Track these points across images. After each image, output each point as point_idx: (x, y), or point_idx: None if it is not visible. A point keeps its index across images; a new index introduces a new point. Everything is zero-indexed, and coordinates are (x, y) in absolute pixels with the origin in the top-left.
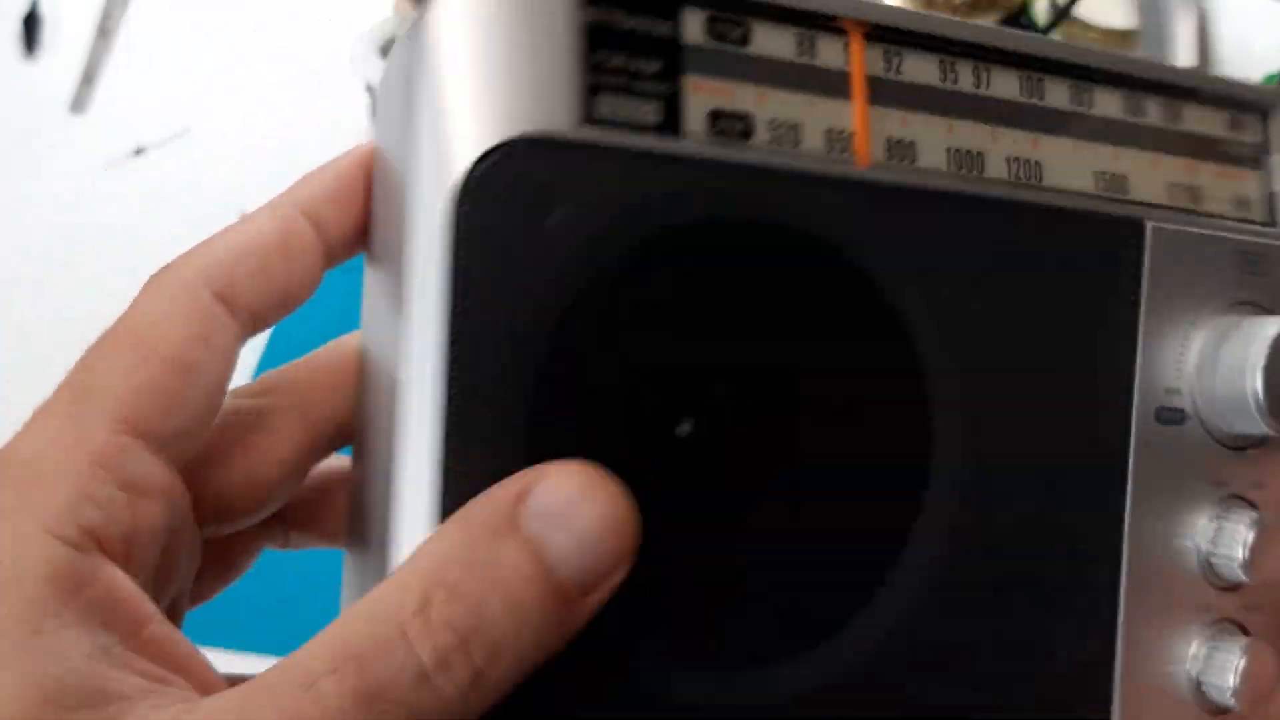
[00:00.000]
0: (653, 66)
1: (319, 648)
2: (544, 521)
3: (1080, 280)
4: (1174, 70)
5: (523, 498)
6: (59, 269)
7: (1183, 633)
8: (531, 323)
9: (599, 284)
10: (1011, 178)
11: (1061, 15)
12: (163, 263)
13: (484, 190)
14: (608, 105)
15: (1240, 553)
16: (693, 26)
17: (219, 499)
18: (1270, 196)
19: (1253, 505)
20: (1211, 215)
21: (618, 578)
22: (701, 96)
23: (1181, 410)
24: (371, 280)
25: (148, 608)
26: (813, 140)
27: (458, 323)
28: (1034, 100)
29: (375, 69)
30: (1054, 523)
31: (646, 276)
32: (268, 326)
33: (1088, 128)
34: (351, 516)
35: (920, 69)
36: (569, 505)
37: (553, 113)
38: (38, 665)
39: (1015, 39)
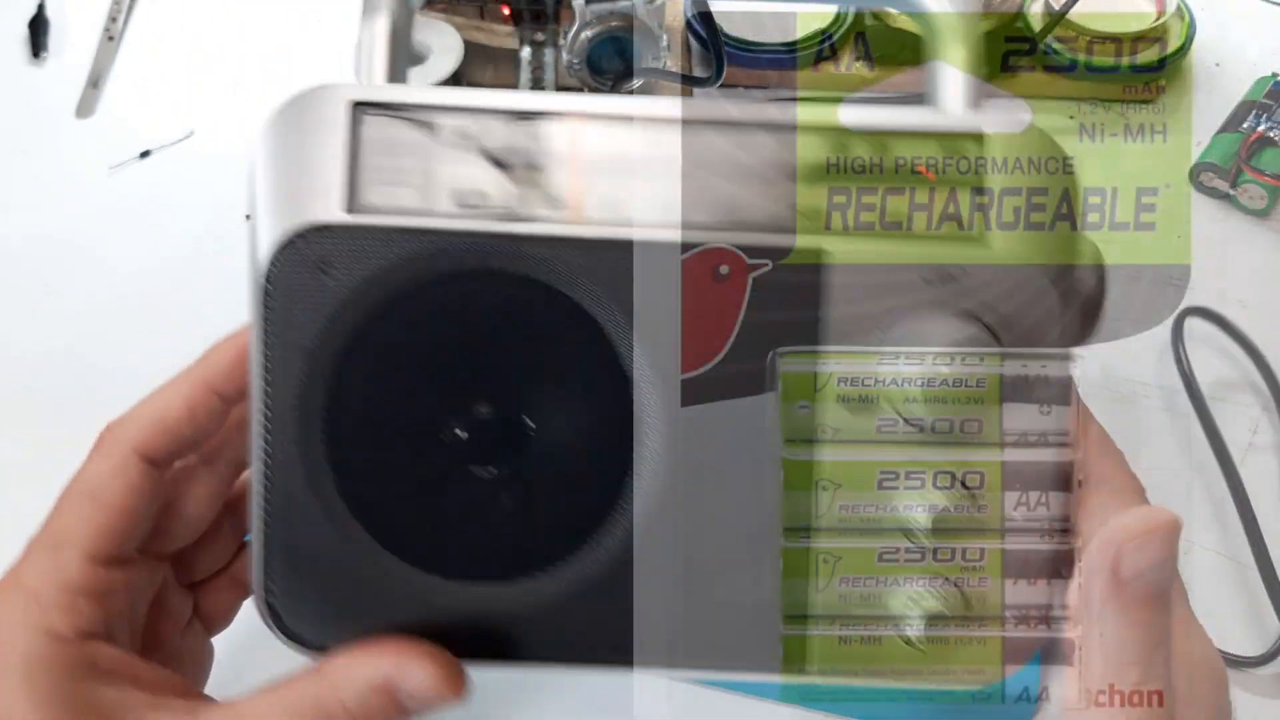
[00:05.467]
0: (410, 163)
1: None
2: (410, 697)
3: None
4: None
5: (397, 679)
6: (64, 271)
7: None
8: (320, 356)
9: (371, 324)
10: None
11: (1056, 20)
12: (163, 263)
13: (278, 271)
14: (375, 195)
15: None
16: (445, 130)
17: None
18: None
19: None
20: None
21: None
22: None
23: None
24: None
25: (131, 659)
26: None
27: (269, 362)
28: None
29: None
30: (734, 486)
31: (408, 316)
32: (187, 460)
33: None
34: None
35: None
36: (426, 691)
37: (329, 206)
38: (68, 701)
39: None
